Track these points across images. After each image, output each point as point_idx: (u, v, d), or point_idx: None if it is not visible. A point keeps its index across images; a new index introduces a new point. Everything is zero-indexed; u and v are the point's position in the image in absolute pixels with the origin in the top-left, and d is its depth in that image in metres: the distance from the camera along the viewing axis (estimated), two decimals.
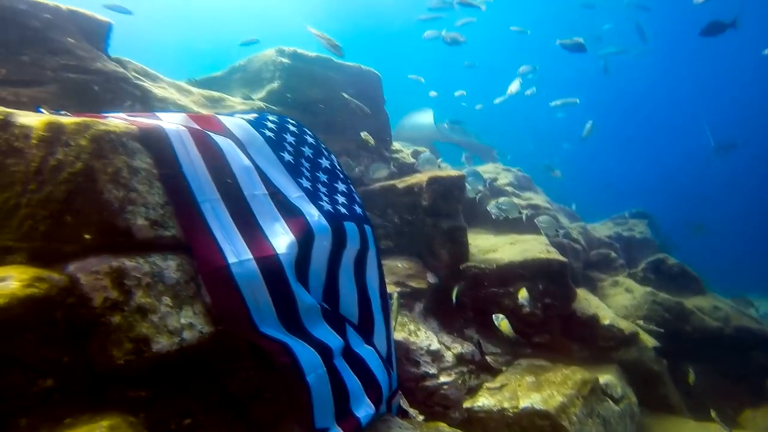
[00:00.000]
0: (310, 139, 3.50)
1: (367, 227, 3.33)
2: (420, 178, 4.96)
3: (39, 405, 1.92)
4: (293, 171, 3.13)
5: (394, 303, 4.11)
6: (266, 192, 2.87)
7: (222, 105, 4.13)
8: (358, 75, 6.05)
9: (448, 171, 5.47)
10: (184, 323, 2.31)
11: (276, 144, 3.13)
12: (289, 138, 3.26)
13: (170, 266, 2.39)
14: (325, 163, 3.51)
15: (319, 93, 5.69)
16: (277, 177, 3.01)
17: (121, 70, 3.35)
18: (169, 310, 2.27)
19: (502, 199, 6.22)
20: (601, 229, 10.12)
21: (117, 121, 2.46)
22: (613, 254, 8.49)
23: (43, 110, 2.51)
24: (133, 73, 3.48)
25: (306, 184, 3.14)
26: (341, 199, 3.30)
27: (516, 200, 7.99)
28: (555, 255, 5.45)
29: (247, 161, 2.87)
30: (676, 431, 4.97)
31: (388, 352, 3.51)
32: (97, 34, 3.39)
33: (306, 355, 2.65)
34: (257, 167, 2.93)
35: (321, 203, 3.08)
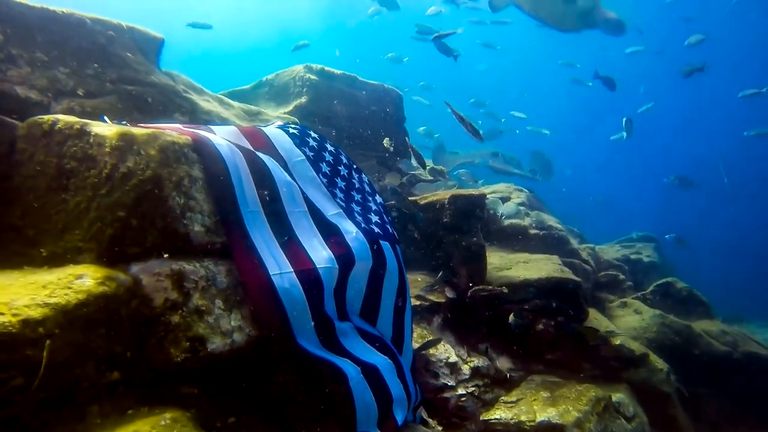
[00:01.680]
0: (344, 159, 3.67)
1: (398, 247, 3.49)
2: (442, 195, 5.13)
3: (107, 395, 2.05)
4: (330, 189, 3.30)
5: None
6: (305, 209, 3.03)
7: (259, 119, 4.34)
8: (380, 93, 6.26)
9: (469, 190, 5.64)
10: (234, 326, 2.46)
11: (315, 161, 3.30)
12: (327, 156, 3.44)
13: (221, 271, 2.54)
14: (358, 182, 3.68)
15: (344, 109, 5.89)
16: (315, 194, 3.17)
17: (171, 83, 3.55)
18: (222, 313, 2.42)
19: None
20: (609, 252, 10.25)
21: (176, 132, 2.64)
22: (622, 276, 8.60)
23: (106, 119, 2.69)
24: (182, 86, 3.68)
25: (342, 202, 3.30)
26: (375, 218, 3.46)
27: (528, 220, 8.16)
28: (569, 275, 5.58)
29: (288, 178, 3.04)
30: None
31: (413, 365, 3.65)
32: (151, 48, 3.61)
33: (343, 364, 2.79)
34: (297, 184, 3.09)
35: (357, 221, 3.24)
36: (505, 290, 5.16)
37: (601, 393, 4.54)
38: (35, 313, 1.82)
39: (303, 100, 5.48)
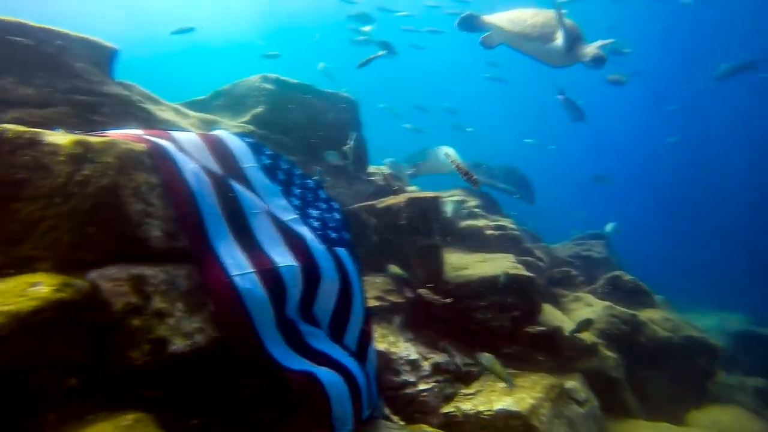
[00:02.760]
0: (297, 171, 3.77)
1: (353, 252, 3.62)
2: (399, 199, 5.28)
3: (65, 402, 2.07)
4: (286, 196, 3.39)
5: None
6: (264, 212, 3.12)
7: (217, 128, 4.37)
8: (336, 101, 6.38)
9: (425, 193, 5.82)
10: (196, 327, 2.50)
11: (270, 169, 3.39)
12: (283, 165, 3.53)
13: (181, 275, 2.59)
14: (312, 190, 3.77)
15: (300, 117, 5.98)
16: (271, 200, 3.26)
17: (126, 93, 3.55)
18: (183, 315, 2.46)
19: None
20: (563, 250, 10.68)
21: (133, 139, 2.67)
22: (574, 272, 8.99)
23: (59, 129, 2.69)
24: (137, 97, 3.68)
25: (298, 209, 3.39)
26: (331, 223, 3.57)
27: (483, 221, 8.44)
28: (522, 271, 5.84)
29: (244, 182, 3.12)
30: (633, 431, 5.36)
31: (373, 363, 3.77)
32: (104, 59, 3.59)
33: (310, 365, 2.87)
34: (254, 190, 3.18)
35: (314, 226, 3.34)
36: (463, 289, 5.36)
37: (555, 381, 4.78)
38: None
39: (260, 109, 5.53)
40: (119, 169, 2.36)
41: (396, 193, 6.53)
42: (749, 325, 11.80)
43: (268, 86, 5.73)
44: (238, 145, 3.29)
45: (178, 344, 2.36)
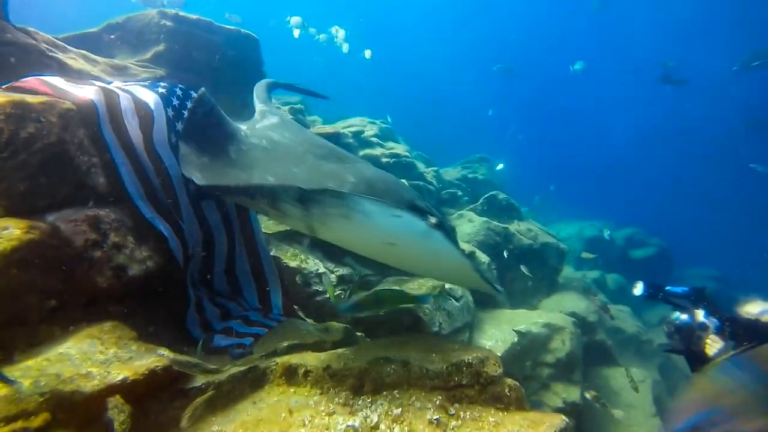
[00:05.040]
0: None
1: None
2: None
3: (50, 318, 2.60)
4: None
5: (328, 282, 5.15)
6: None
7: (127, 73, 4.48)
8: (237, 38, 6.52)
9: (327, 128, 6.42)
10: (146, 255, 3.07)
11: (173, 123, 3.72)
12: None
13: (126, 213, 3.09)
14: None
15: (202, 55, 6.11)
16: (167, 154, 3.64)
17: (33, 41, 3.57)
18: (134, 246, 3.01)
19: None
20: (452, 173, 11.99)
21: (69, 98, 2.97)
22: (460, 192, 10.33)
23: None
24: (44, 45, 3.71)
25: None
26: None
27: (380, 150, 9.28)
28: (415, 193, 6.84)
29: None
30: (499, 316, 6.86)
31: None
32: None
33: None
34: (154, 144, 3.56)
35: None
36: None
37: (437, 282, 5.96)
38: None
39: (161, 47, 5.59)
40: (63, 127, 2.73)
41: None
42: (599, 231, 14.38)
43: (168, 23, 5.76)
44: (149, 97, 3.56)
45: (135, 269, 2.93)
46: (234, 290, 4.22)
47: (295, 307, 4.92)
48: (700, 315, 3.45)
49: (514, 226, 9.01)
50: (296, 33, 9.14)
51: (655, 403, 6.52)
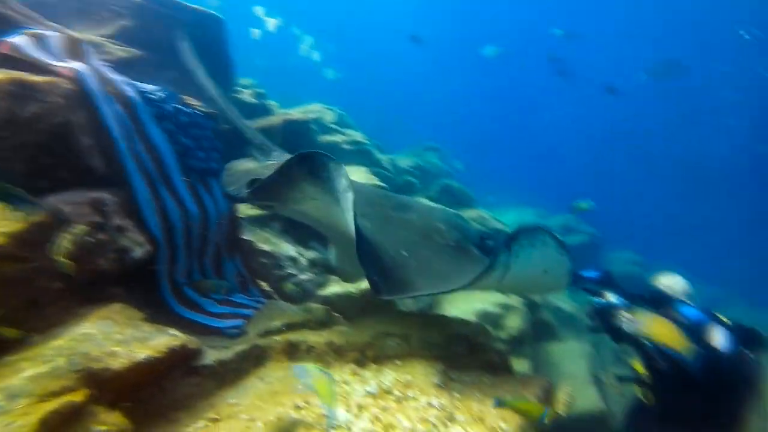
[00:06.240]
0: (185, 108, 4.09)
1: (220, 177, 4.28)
2: (275, 120, 5.88)
3: (57, 300, 2.61)
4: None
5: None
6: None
7: (104, 51, 4.31)
8: (203, 18, 6.36)
9: (295, 114, 6.46)
10: (146, 238, 3.10)
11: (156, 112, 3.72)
12: (168, 107, 3.84)
13: (125, 197, 3.09)
14: (188, 116, 4.15)
15: (165, 33, 5.92)
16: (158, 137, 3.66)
17: (11, 12, 3.36)
18: (135, 229, 3.03)
19: None
20: (405, 161, 12.30)
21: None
22: (414, 179, 10.68)
23: None
24: (22, 16, 3.48)
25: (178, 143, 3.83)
26: (201, 153, 4.10)
27: (340, 136, 9.40)
28: (377, 181, 7.07)
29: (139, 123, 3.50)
30: (456, 297, 7.30)
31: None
32: None
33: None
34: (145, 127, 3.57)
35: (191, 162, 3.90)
36: None
37: None
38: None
39: (124, 22, 5.37)
40: (69, 108, 2.70)
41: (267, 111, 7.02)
42: (537, 217, 15.37)
43: None
44: (135, 94, 3.54)
45: (137, 251, 2.96)
46: (217, 272, 4.29)
47: (270, 289, 5.05)
48: (610, 296, 3.97)
49: (467, 213, 9.50)
50: (272, 23, 8.95)
51: (590, 373, 7.24)
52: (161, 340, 2.55)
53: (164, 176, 3.52)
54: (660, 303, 3.91)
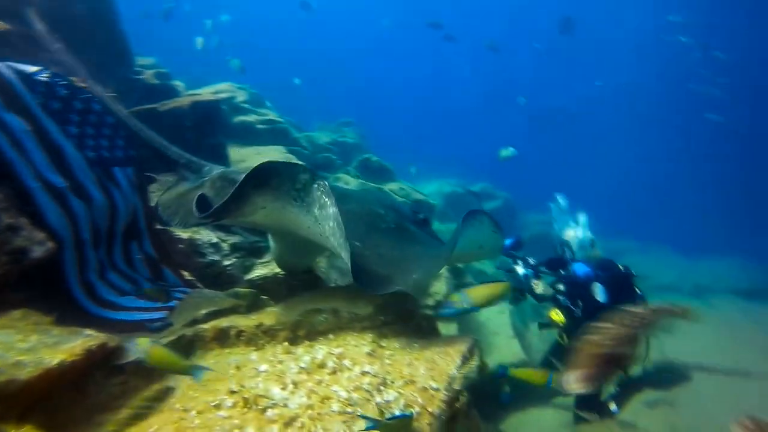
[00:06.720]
0: (81, 95, 3.72)
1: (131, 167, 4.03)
2: (183, 101, 5.55)
3: None
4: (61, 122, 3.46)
5: None
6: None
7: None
8: None
9: (204, 95, 6.14)
10: (44, 236, 2.85)
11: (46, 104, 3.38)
12: (61, 92, 3.48)
13: (13, 194, 2.81)
14: (91, 109, 3.81)
15: (42, 7, 5.34)
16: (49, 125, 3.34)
17: None
18: (30, 227, 2.77)
19: None
20: (322, 137, 12.17)
21: None
22: (333, 156, 10.63)
23: None
24: None
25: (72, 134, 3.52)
26: (104, 142, 3.81)
27: (253, 116, 9.09)
28: (294, 159, 6.97)
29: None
30: None
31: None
32: None
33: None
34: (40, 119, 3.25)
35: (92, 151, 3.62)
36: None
37: None
38: None
39: None
40: None
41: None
42: (456, 187, 15.93)
43: None
44: (15, 81, 3.19)
45: (37, 250, 2.72)
46: (129, 263, 4.06)
47: (192, 278, 4.88)
48: (520, 269, 5.20)
49: (388, 186, 9.66)
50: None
51: (512, 328, 7.79)
52: (76, 342, 2.39)
53: (62, 168, 3.24)
54: (559, 265, 5.24)
